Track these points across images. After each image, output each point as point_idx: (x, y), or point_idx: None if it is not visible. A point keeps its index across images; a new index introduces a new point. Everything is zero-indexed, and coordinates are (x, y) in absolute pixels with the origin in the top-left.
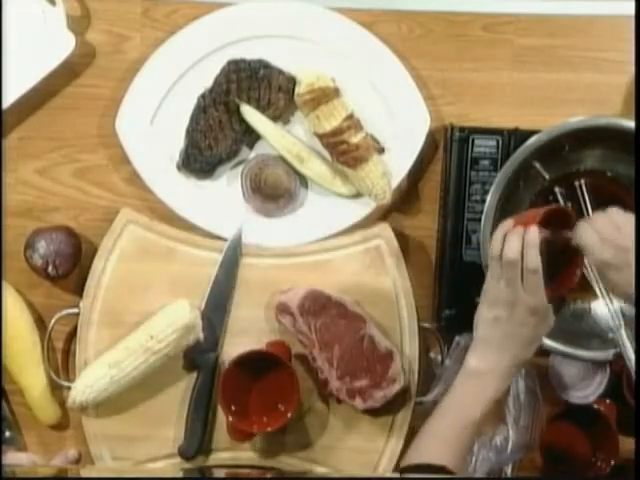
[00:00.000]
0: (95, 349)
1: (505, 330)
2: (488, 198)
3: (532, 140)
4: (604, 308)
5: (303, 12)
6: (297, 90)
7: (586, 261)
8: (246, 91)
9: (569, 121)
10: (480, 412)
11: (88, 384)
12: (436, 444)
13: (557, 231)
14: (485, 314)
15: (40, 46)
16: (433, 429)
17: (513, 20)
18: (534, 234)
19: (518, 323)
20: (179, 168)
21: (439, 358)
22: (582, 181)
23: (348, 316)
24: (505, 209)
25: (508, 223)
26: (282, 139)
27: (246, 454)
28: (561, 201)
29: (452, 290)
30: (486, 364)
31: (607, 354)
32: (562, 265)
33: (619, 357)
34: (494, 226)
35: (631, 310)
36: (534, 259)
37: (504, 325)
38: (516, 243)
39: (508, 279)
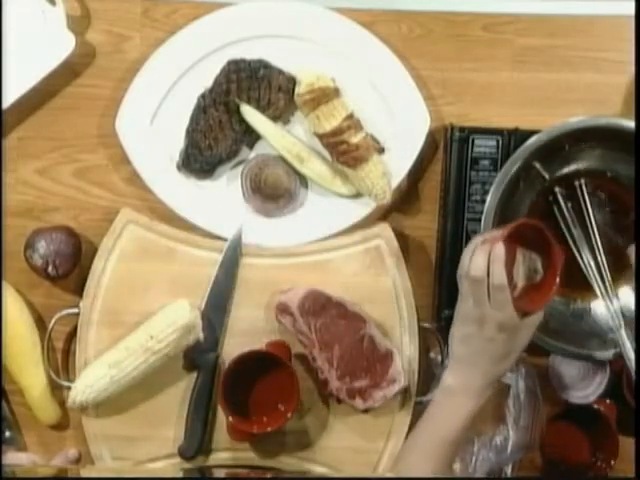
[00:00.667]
0: (95, 349)
1: (475, 347)
2: (488, 198)
3: (532, 140)
4: (604, 308)
5: (303, 12)
6: (297, 90)
7: (585, 261)
8: (246, 91)
9: (569, 121)
10: (456, 430)
11: (88, 384)
12: (417, 459)
13: (526, 249)
14: (457, 332)
15: (40, 46)
16: (414, 444)
17: (513, 20)
18: (499, 250)
19: (487, 339)
20: (179, 168)
21: (439, 358)
22: (582, 181)
23: (348, 316)
24: (505, 209)
25: (477, 240)
26: (282, 139)
27: (246, 454)
28: (561, 201)
29: (452, 290)
30: (459, 382)
31: (607, 354)
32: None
33: (619, 357)
34: (494, 226)
35: (631, 310)
36: (500, 275)
37: (474, 342)
38: (481, 259)
39: (475, 296)
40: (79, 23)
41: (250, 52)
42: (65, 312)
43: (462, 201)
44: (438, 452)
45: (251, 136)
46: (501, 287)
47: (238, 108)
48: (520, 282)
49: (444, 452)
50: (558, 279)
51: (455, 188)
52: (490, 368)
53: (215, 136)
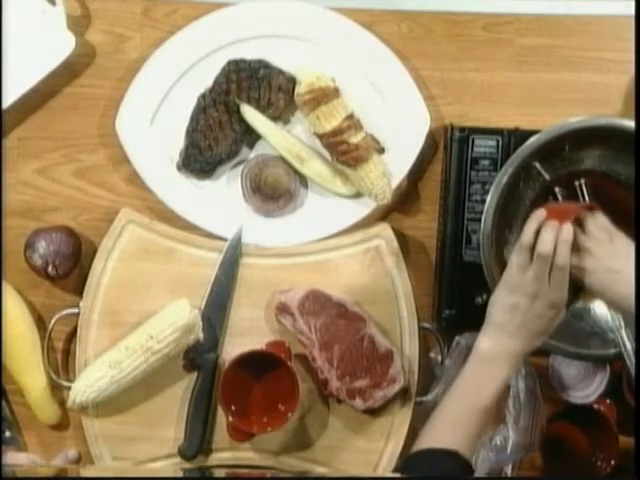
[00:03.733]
0: (95, 349)
1: (522, 319)
2: (488, 198)
3: (532, 140)
4: (604, 308)
5: (303, 12)
6: (297, 90)
7: None
8: (246, 91)
9: (569, 121)
10: (491, 395)
11: (88, 384)
12: (448, 428)
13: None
14: (503, 300)
15: (40, 46)
16: (444, 413)
17: (513, 20)
18: (569, 232)
19: (536, 314)
20: (179, 168)
21: (439, 358)
22: (582, 181)
23: (348, 316)
24: (505, 209)
25: (541, 214)
26: (282, 139)
27: (246, 454)
28: (561, 201)
29: (452, 290)
30: (498, 348)
31: (607, 354)
32: None
33: (619, 357)
34: (494, 226)
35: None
36: (565, 256)
37: (522, 314)
38: (551, 238)
39: (536, 271)
40: (79, 23)
41: (250, 52)
42: (65, 312)
43: (462, 201)
44: (468, 419)
45: (251, 136)
46: (564, 268)
47: (238, 108)
48: None
49: (475, 419)
50: None
51: (455, 188)
52: (530, 341)
53: (215, 136)
